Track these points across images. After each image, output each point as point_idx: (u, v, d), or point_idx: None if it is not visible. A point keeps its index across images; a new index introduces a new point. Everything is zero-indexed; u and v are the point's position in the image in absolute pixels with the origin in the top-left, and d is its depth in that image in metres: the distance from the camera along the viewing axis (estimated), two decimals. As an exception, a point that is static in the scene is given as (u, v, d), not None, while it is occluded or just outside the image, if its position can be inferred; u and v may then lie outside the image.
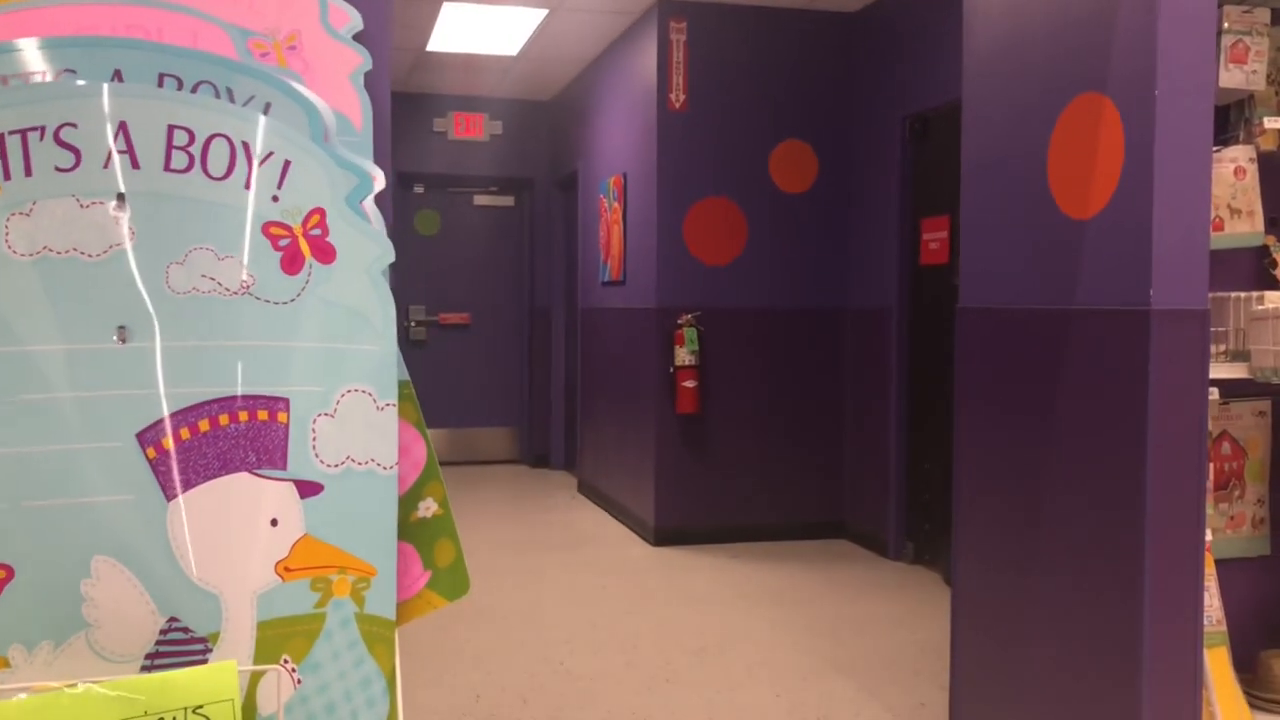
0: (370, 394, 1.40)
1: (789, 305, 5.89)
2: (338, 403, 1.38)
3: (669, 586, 4.95)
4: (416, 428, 1.52)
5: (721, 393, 5.81)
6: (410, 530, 1.49)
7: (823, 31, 5.88)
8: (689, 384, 5.65)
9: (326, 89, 1.68)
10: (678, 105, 5.72)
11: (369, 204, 1.52)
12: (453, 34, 6.36)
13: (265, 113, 1.49)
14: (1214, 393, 2.50)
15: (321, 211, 1.41)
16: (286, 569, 1.33)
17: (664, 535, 5.77)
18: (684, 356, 5.65)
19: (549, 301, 8.40)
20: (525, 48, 6.73)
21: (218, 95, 1.48)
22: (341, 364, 1.39)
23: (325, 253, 1.41)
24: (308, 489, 1.35)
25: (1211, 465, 2.81)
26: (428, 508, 1.50)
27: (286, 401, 1.35)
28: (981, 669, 2.87)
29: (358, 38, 1.71)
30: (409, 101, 8.06)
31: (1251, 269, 2.82)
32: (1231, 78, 2.63)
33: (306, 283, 1.39)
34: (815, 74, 5.89)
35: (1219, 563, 2.84)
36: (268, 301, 1.36)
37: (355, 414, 1.39)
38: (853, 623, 4.38)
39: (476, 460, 8.63)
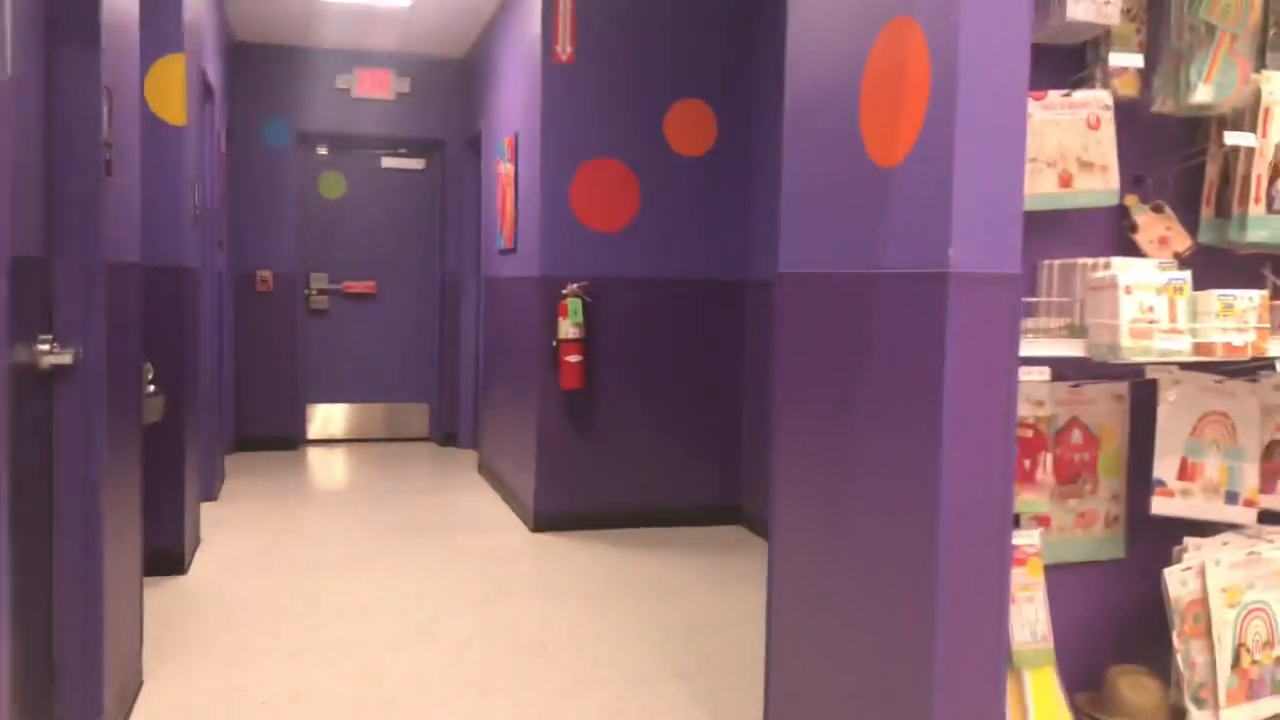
0: None
1: (685, 275, 5.50)
2: None
3: (532, 578, 4.58)
4: None
5: (610, 368, 5.43)
6: None
7: (724, -18, 5.47)
8: (573, 358, 5.26)
9: None
10: (564, 58, 5.30)
11: None
12: (334, -21, 5.91)
13: None
14: (1044, 372, 2.14)
15: None
16: None
17: (544, 520, 5.39)
18: (568, 329, 5.26)
19: (459, 270, 7.99)
20: (419, -3, 6.29)
21: None
22: None
23: None
24: None
25: (1057, 455, 2.46)
26: None
27: None
28: (793, 675, 2.52)
29: None
30: (307, 56, 7.60)
31: (1108, 233, 2.45)
32: (1080, 8, 2.25)
33: None
34: (716, 26, 5.48)
35: (1063, 567, 2.50)
36: None
37: None
38: (719, 618, 4.02)
39: (386, 438, 8.23)
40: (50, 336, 2.44)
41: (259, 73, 7.52)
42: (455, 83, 7.89)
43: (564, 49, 5.30)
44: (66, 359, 2.42)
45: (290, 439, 7.78)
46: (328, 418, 8.14)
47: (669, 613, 4.11)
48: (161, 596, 4.18)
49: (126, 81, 2.94)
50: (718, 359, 5.57)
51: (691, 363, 5.53)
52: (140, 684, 3.26)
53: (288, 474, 6.88)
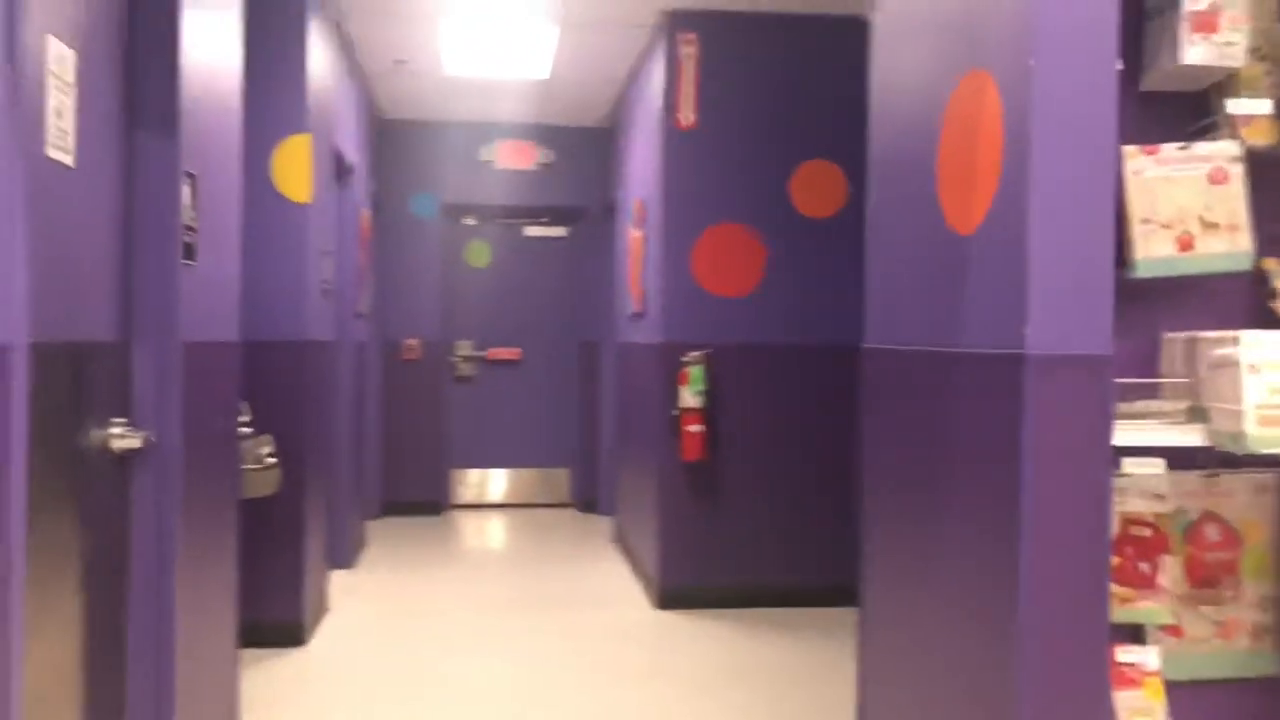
0: None
1: (812, 342, 5.29)
2: None
3: (648, 660, 4.40)
4: None
5: (733, 439, 5.24)
6: None
7: (851, 39, 5.29)
8: (694, 428, 5.10)
9: None
10: (686, 123, 5.22)
11: None
12: (468, 56, 6.03)
13: None
14: (1157, 464, 1.86)
15: None
16: None
17: (667, 597, 5.21)
18: (689, 398, 5.11)
19: (599, 336, 7.97)
20: (555, 69, 6.35)
21: None
22: None
23: None
24: None
25: (1188, 555, 2.15)
26: None
27: None
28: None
29: None
30: (451, 130, 7.79)
31: (1246, 302, 2.14)
32: (1196, 51, 1.99)
33: None
34: (844, 86, 5.29)
35: (1201, 685, 2.17)
36: None
37: None
38: (838, 713, 3.75)
39: (527, 503, 8.23)
40: (124, 420, 2.46)
41: (405, 148, 7.75)
42: (594, 150, 7.94)
43: (686, 115, 5.22)
44: (136, 442, 2.42)
45: (436, 504, 7.87)
46: (472, 483, 8.21)
47: (785, 705, 3.85)
48: (275, 669, 4.20)
49: (221, 164, 2.99)
50: (846, 431, 5.31)
51: (819, 435, 5.29)
52: (234, 762, 3.24)
53: (428, 540, 6.93)
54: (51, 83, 2.02)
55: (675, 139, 5.22)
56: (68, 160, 2.11)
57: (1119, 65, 1.71)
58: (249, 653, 4.39)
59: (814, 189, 5.28)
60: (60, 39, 2.05)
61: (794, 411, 5.26)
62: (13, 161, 1.65)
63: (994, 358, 1.71)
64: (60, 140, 2.07)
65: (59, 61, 2.05)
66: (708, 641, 4.66)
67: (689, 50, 5.20)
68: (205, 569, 2.90)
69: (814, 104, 5.28)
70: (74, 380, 2.24)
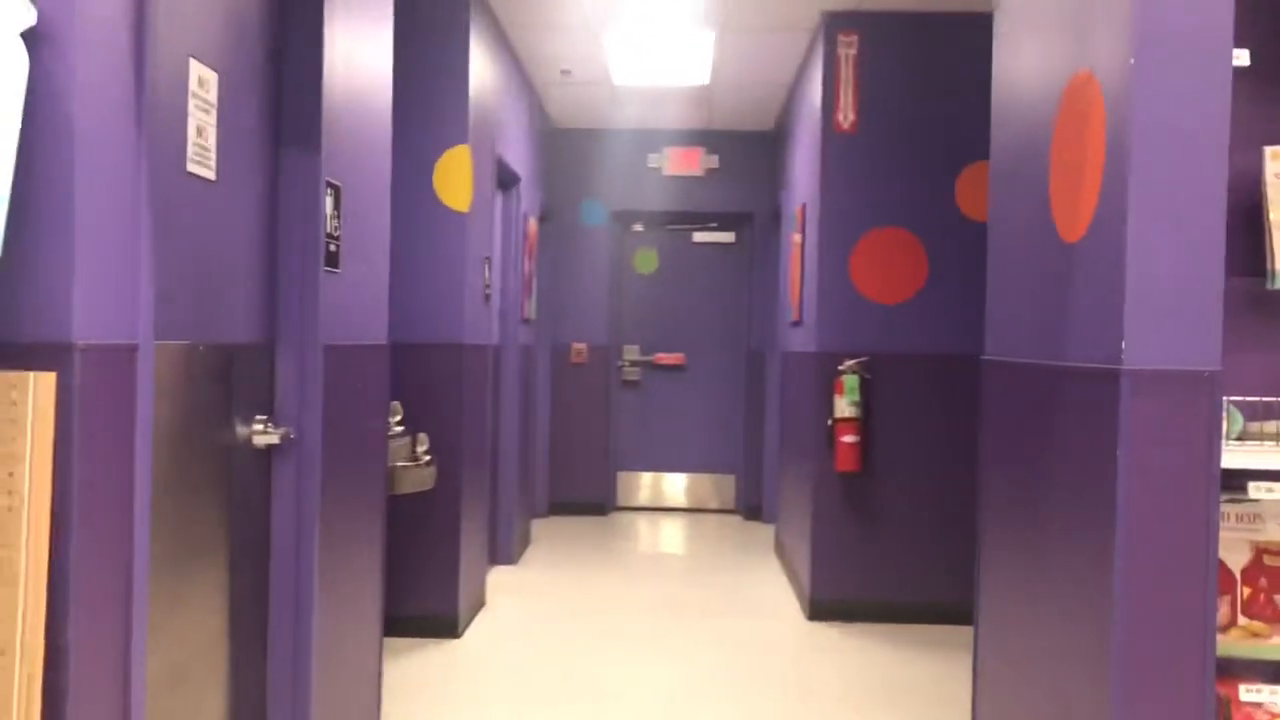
0: None
1: (974, 352, 5.08)
2: None
3: (793, 672, 4.34)
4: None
5: (889, 450, 5.11)
6: None
7: (1021, 36, 5.07)
8: (848, 439, 5.00)
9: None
10: (845, 126, 5.13)
11: None
12: (631, 64, 6.12)
13: None
14: (1273, 489, 1.71)
15: None
16: None
17: (819, 609, 5.13)
18: (844, 408, 5.01)
19: (764, 343, 7.92)
20: (715, 74, 6.36)
21: None
22: None
23: None
24: None
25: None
26: None
27: None
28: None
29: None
30: (620, 138, 7.91)
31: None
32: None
33: None
34: (1012, 85, 5.08)
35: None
36: None
37: None
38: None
39: (690, 508, 8.26)
40: (266, 417, 2.62)
41: (574, 156, 7.92)
42: (762, 156, 7.90)
43: (845, 117, 5.13)
44: (275, 438, 2.58)
45: (602, 505, 8.00)
46: (638, 486, 8.30)
47: (926, 725, 3.73)
48: (428, 659, 4.37)
49: (369, 175, 3.14)
50: (1015, 442, 5.08)
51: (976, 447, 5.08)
52: (376, 746, 3.39)
53: (591, 541, 7.05)
54: (193, 103, 2.18)
55: (834, 142, 5.14)
56: (209, 175, 2.27)
57: (1244, 62, 1.58)
58: (403, 641, 4.59)
59: (981, 191, 5.09)
60: (202, 61, 2.21)
61: (954, 423, 5.09)
62: (141, 180, 1.79)
63: (1094, 372, 1.61)
64: (201, 156, 2.22)
65: (201, 82, 2.21)
66: (856, 656, 4.56)
67: (848, 51, 5.11)
68: (349, 558, 3.05)
69: (982, 103, 5.08)
70: (221, 379, 2.40)
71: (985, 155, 5.02)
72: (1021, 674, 1.99)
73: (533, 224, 6.68)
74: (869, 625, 5.06)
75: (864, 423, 5.06)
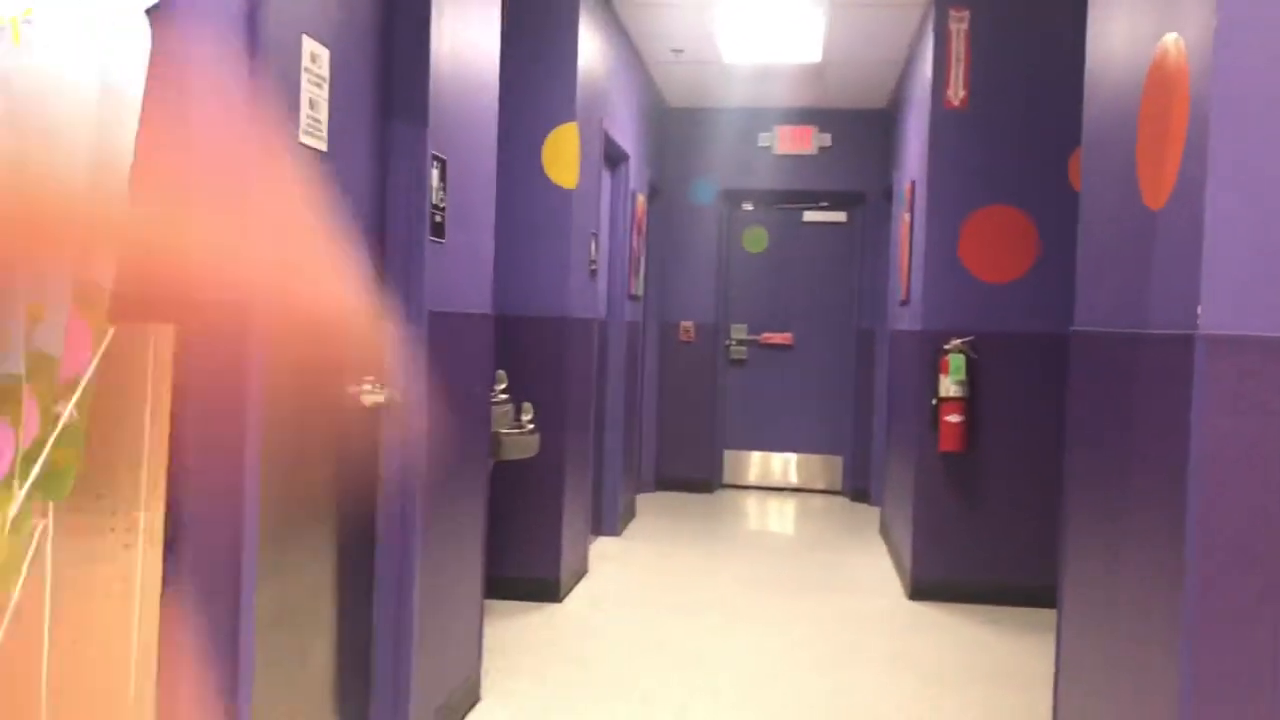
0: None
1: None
2: None
3: (888, 649, 4.34)
4: (13, 427, 1.36)
5: (994, 431, 5.04)
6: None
7: (1143, 7, 4.92)
8: (953, 418, 4.95)
9: None
10: (956, 102, 5.06)
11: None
12: (741, 42, 6.13)
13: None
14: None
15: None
16: None
17: (921, 588, 5.10)
18: (949, 387, 4.96)
19: (874, 323, 7.85)
20: (827, 51, 6.32)
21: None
22: None
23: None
24: None
25: None
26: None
27: None
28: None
29: None
30: (731, 116, 7.91)
31: None
32: None
33: None
34: (1132, 59, 4.94)
35: None
36: None
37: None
38: None
39: (796, 488, 8.26)
40: (373, 378, 2.75)
41: (686, 135, 7.96)
42: (875, 134, 7.81)
43: (956, 93, 5.05)
44: (381, 398, 2.71)
45: (708, 482, 8.06)
46: (743, 464, 8.34)
47: (1022, 706, 3.70)
48: (529, 622, 4.51)
49: (475, 150, 3.25)
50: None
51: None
52: (475, 701, 3.53)
53: (695, 516, 7.13)
54: (306, 77, 2.31)
55: (944, 118, 5.07)
56: (321, 146, 2.40)
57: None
58: (505, 604, 4.74)
59: (1093, 169, 4.96)
60: (314, 38, 2.34)
61: (1061, 407, 4.98)
62: (252, 147, 1.91)
63: (1171, 338, 1.60)
64: (313, 128, 2.35)
65: (313, 58, 2.34)
66: (954, 635, 4.53)
67: (960, 26, 5.03)
68: (452, 516, 3.18)
69: (1097, 78, 4.95)
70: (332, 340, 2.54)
71: (1102, 131, 4.91)
72: (1101, 650, 1.98)
73: (641, 201, 6.75)
74: (970, 606, 5.01)
75: (969, 402, 5.00)
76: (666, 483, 8.04)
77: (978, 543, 5.05)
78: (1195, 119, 1.56)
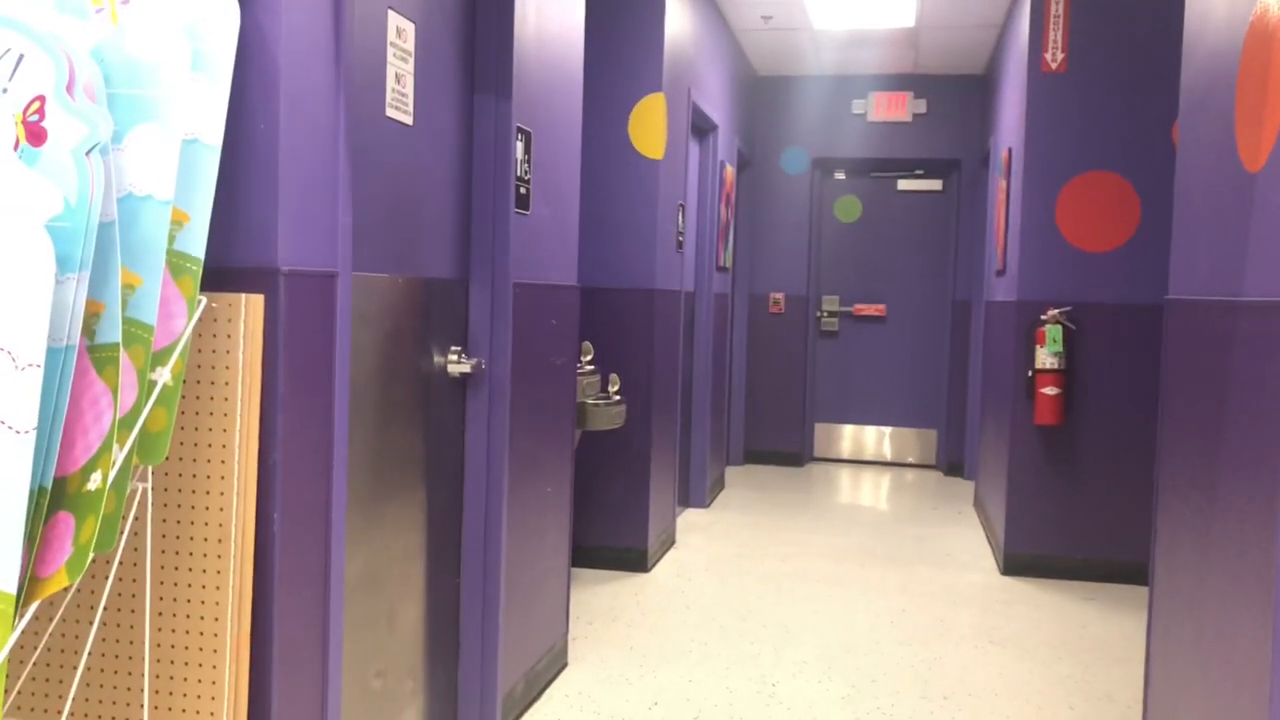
0: (9, 352, 1.33)
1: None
2: (-31, 359, 1.33)
3: (978, 623, 4.28)
4: (113, 394, 1.42)
5: (1093, 403, 4.91)
6: (79, 502, 1.40)
7: (1257, -38, 4.69)
8: (1049, 390, 4.84)
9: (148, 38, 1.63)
10: (1054, 66, 4.90)
11: (94, 156, 1.44)
12: (832, 7, 6.03)
13: (18, 64, 1.49)
14: None
15: None
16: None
17: (1014, 563, 5.01)
18: (1045, 359, 4.85)
19: (970, 293, 7.69)
20: (920, 15, 6.19)
21: (-20, 49, 1.50)
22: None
23: (-18, 203, 1.36)
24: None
25: None
26: (94, 480, 1.40)
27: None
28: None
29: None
30: (825, 84, 7.80)
31: None
32: None
33: (-44, 234, 1.35)
34: (1244, 16, 4.72)
35: None
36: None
37: (-14, 371, 1.32)
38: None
39: (889, 462, 8.17)
40: (460, 348, 2.81)
41: (777, 104, 7.88)
42: (972, 100, 7.63)
43: (1054, 57, 4.90)
44: (467, 368, 2.76)
45: (797, 455, 8.02)
46: (834, 437, 8.27)
47: (1110, 682, 3.62)
48: (617, 590, 4.56)
49: (560, 122, 3.27)
50: (1234, 400, 4.78)
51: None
52: (563, 666, 3.59)
53: (784, 489, 7.11)
54: (391, 52, 2.35)
55: (1041, 83, 4.92)
56: (407, 120, 2.44)
57: None
58: (594, 573, 4.80)
59: (1201, 132, 4.77)
60: (399, 12, 2.37)
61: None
62: (338, 122, 1.96)
63: (1267, 306, 1.54)
64: (399, 102, 2.40)
65: (399, 33, 2.37)
66: (1047, 611, 4.44)
67: (1060, -13, 4.87)
68: (538, 484, 3.23)
69: (1206, 38, 4.75)
70: (419, 311, 2.59)
71: (1210, 92, 4.71)
72: (1192, 630, 1.93)
73: (730, 172, 6.71)
74: (1064, 582, 4.91)
75: (1066, 375, 4.88)
76: (756, 455, 8.02)
77: (1073, 518, 4.94)
78: (1296, 75, 1.49)
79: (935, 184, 7.99)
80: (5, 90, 1.47)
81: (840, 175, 8.12)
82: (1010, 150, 5.53)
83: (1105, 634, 4.17)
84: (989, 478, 5.84)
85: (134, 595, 1.80)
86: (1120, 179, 4.86)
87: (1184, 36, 2.09)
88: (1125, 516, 4.89)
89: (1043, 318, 4.90)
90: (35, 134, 1.45)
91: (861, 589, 4.70)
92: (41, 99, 1.46)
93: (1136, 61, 4.82)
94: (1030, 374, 4.93)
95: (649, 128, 4.76)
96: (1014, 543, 5.01)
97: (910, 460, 8.15)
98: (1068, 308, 4.89)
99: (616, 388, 4.42)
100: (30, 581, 1.36)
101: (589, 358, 4.23)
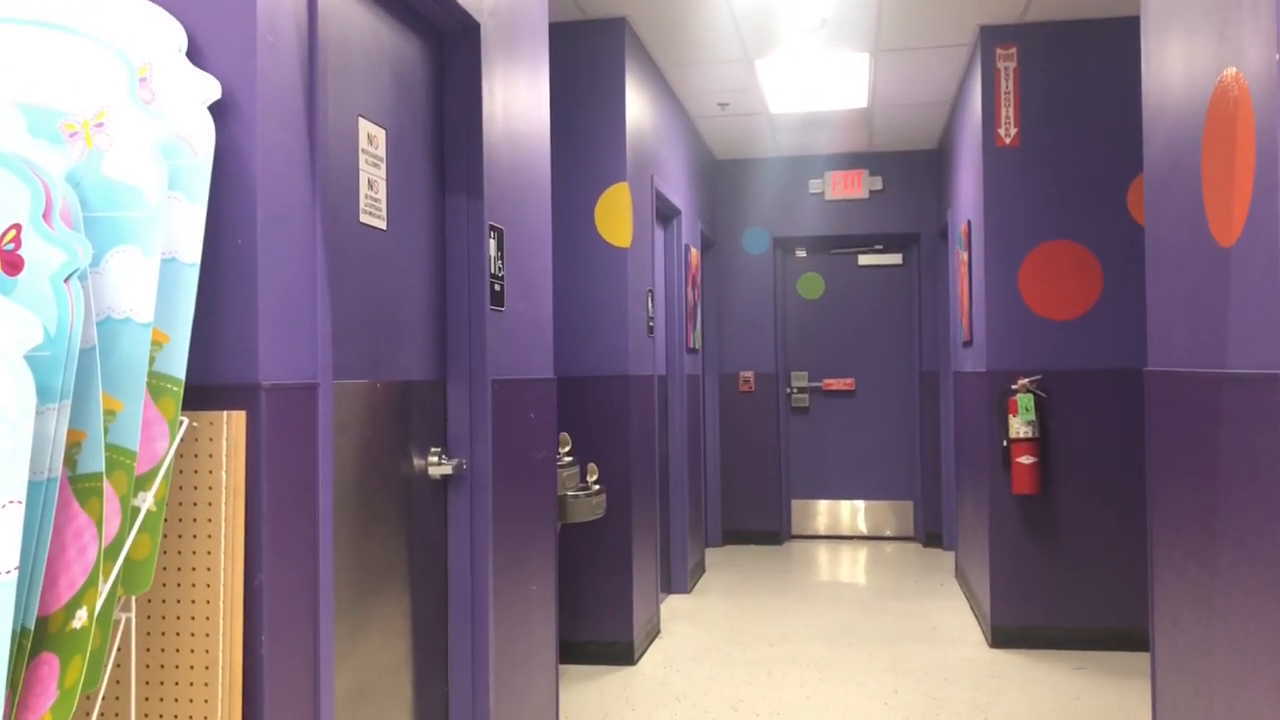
0: (-12, 489, 1.29)
1: (1157, 366, 4.86)
2: (-54, 498, 1.28)
3: (970, 702, 4.23)
4: (97, 526, 1.38)
5: (1069, 469, 4.93)
6: (63, 641, 1.34)
7: (1194, 34, 4.85)
8: (1025, 460, 4.85)
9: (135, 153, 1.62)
10: (1008, 140, 5.02)
11: (72, 282, 1.42)
12: (786, 92, 6.15)
13: (-8, 193, 1.47)
14: None
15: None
16: None
17: (1002, 636, 4.97)
18: (1019, 428, 4.87)
19: (936, 364, 7.75)
20: (873, 96, 6.33)
21: (-47, 179, 1.48)
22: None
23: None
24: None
25: None
26: (80, 618, 1.35)
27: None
28: None
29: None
30: (780, 165, 7.93)
31: None
32: None
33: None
34: (1187, 86, 4.87)
35: None
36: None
37: (-34, 510, 1.28)
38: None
39: (867, 536, 8.14)
40: (440, 449, 2.77)
41: (735, 186, 7.99)
42: (926, 174, 7.78)
43: (1007, 132, 5.02)
44: (449, 469, 2.72)
45: (776, 534, 7.97)
46: (811, 513, 8.23)
47: (1116, 756, 3.57)
48: (604, 685, 4.46)
49: (530, 218, 3.29)
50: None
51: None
52: (555, 769, 3.49)
53: (766, 569, 7.04)
54: (363, 159, 2.35)
55: (996, 157, 5.03)
56: (380, 225, 2.43)
57: None
58: (580, 668, 4.70)
59: (1154, 199, 4.88)
60: (370, 119, 2.38)
61: (1136, 441, 4.87)
62: (315, 232, 1.95)
63: (1255, 379, 1.55)
64: (372, 208, 2.39)
65: (370, 139, 2.38)
66: (1041, 684, 4.40)
67: (1007, 65, 5.01)
68: (523, 583, 3.17)
69: (1152, 108, 4.89)
70: (398, 415, 2.56)
71: (1160, 160, 4.83)
72: (1200, 698, 1.90)
73: (695, 254, 6.77)
74: (1054, 652, 4.87)
75: (1041, 443, 4.90)
76: (734, 536, 7.96)
77: (1056, 587, 4.92)
78: (1263, 153, 1.52)
79: (895, 258, 8.10)
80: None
81: (801, 253, 8.22)
82: (969, 223, 5.62)
83: (1104, 705, 4.13)
84: (969, 548, 5.82)
85: (116, 730, 1.73)
86: (1080, 248, 4.95)
87: (1144, 111, 2.15)
88: (1109, 582, 4.88)
89: (1014, 387, 4.93)
90: (11, 263, 1.42)
91: (851, 670, 4.63)
92: (17, 227, 1.44)
93: (1087, 131, 4.94)
94: (1005, 444, 4.95)
95: (615, 217, 4.80)
96: (1000, 614, 4.98)
97: (888, 533, 8.12)
98: (1037, 376, 4.93)
99: (595, 477, 4.38)
100: (13, 729, 1.30)
101: (567, 449, 4.20)
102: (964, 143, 5.87)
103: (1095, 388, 4.90)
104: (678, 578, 6.16)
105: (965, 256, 5.78)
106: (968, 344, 5.80)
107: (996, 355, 5.00)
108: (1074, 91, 4.96)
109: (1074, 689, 4.33)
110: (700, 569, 6.77)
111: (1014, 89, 5.00)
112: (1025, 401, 4.86)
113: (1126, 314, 4.91)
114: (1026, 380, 4.91)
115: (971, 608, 5.73)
